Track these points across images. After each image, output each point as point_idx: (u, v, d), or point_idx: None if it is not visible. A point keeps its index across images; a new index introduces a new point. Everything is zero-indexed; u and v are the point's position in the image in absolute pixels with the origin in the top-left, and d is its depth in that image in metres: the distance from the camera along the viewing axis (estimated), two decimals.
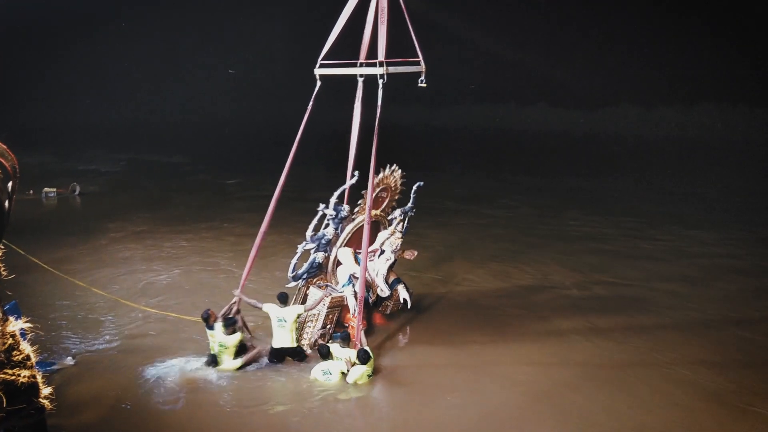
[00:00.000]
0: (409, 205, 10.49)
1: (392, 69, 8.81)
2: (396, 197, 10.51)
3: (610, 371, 8.57)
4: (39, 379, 3.90)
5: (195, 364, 8.61)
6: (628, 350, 9.25)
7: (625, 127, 39.64)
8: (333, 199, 9.56)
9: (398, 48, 9.24)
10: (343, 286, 9.43)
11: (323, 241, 9.56)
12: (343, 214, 9.64)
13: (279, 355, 8.72)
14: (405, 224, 10.36)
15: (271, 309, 8.74)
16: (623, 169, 27.62)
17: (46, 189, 21.68)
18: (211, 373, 8.38)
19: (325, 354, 8.24)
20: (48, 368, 8.27)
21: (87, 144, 37.61)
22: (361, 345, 8.42)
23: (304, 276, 9.56)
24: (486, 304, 11.31)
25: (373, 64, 8.88)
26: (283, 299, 8.85)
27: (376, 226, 10.15)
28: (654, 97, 40.17)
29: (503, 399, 7.84)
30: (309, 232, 9.57)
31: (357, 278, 9.41)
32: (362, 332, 8.56)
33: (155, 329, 9.95)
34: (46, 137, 39.93)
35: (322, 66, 9.11)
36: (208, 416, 7.46)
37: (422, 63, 9.17)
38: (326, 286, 9.59)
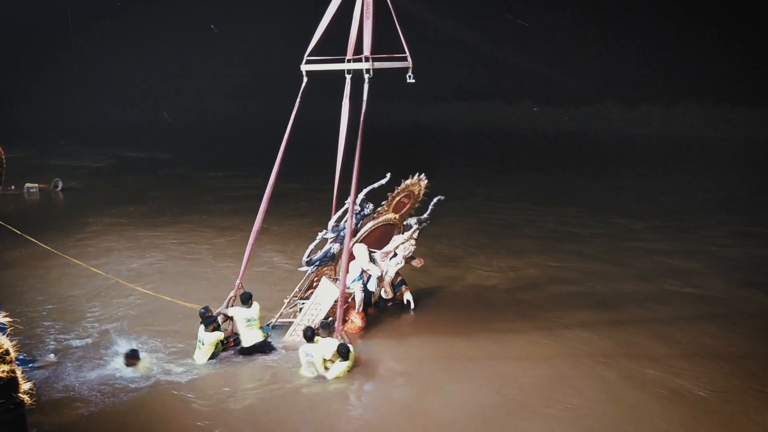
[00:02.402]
0: (425, 215, 10.64)
1: (378, 64, 8.82)
2: (416, 205, 10.68)
3: (598, 366, 8.63)
4: (18, 374, 3.86)
5: (176, 358, 8.61)
6: (613, 345, 9.31)
7: (609, 124, 40.01)
8: (361, 195, 9.75)
9: (387, 45, 9.25)
10: (353, 281, 9.62)
11: (342, 234, 9.74)
12: (366, 211, 9.94)
13: (249, 352, 8.78)
14: (418, 233, 10.49)
15: (237, 312, 8.80)
16: (608, 166, 27.87)
17: (28, 184, 21.46)
18: (193, 368, 8.36)
19: (310, 337, 8.30)
20: (29, 365, 8.17)
21: (73, 141, 37.27)
22: (342, 338, 8.49)
23: (317, 263, 9.76)
24: (474, 298, 11.36)
25: (360, 60, 8.89)
26: (246, 299, 8.86)
27: (391, 230, 10.36)
28: (638, 96, 40.57)
29: (492, 394, 7.87)
30: (331, 223, 9.77)
31: (369, 274, 9.74)
32: (343, 328, 8.65)
33: (138, 323, 9.88)
34: (31, 134, 39.54)
35: (308, 62, 9.10)
36: (186, 412, 7.42)
37: (409, 59, 9.19)
38: (336, 279, 9.65)
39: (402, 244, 10.01)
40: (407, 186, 10.32)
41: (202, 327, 8.59)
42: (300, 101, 9.28)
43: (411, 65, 9.23)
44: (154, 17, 51.65)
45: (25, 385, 3.90)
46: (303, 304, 9.64)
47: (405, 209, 10.51)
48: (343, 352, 8.13)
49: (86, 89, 53.39)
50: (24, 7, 44.17)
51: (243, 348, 8.79)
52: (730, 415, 7.40)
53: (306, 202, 19.36)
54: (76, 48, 51.46)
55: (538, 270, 13.08)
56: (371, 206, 10.02)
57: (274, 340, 9.13)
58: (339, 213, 9.85)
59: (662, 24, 39.23)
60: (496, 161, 30.36)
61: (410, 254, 10.06)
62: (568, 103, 43.04)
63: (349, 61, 9.17)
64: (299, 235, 14.99)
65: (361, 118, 8.78)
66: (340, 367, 8.13)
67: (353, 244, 9.73)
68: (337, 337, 8.45)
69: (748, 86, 36.07)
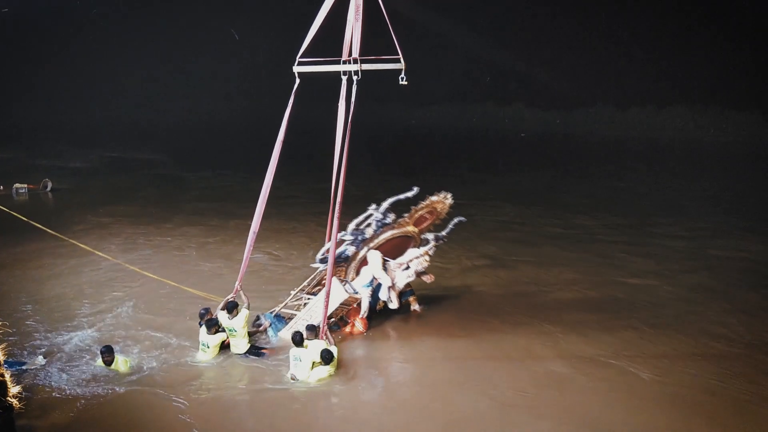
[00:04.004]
0: (444, 233, 10.65)
1: (367, 66, 8.81)
2: (437, 222, 10.70)
3: (591, 366, 8.68)
4: (7, 377, 3.84)
5: (165, 357, 8.63)
6: (605, 345, 9.35)
7: (599, 127, 40.21)
8: (385, 204, 9.97)
9: (386, 47, 9.22)
10: (363, 286, 9.68)
11: (359, 238, 9.91)
12: (387, 220, 10.09)
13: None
14: (433, 249, 10.51)
15: (222, 319, 8.77)
16: (597, 169, 28.03)
17: (17, 185, 21.32)
18: (183, 368, 8.35)
19: (299, 342, 8.31)
20: (18, 368, 8.09)
21: (64, 142, 37.08)
22: (326, 337, 8.51)
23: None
24: (468, 301, 11.41)
25: (349, 62, 8.89)
26: (231, 308, 8.77)
27: (407, 242, 10.39)
28: (628, 99, 40.83)
29: (487, 395, 7.90)
30: (352, 226, 9.92)
31: (379, 282, 9.76)
32: (328, 330, 8.69)
33: (125, 324, 9.84)
34: (21, 134, 39.30)
35: (300, 63, 9.08)
36: (172, 412, 7.41)
37: (402, 60, 9.15)
38: (345, 281, 9.67)
39: (416, 258, 10.02)
40: (432, 202, 10.40)
41: (203, 329, 8.56)
42: (293, 102, 9.28)
43: (404, 67, 9.16)
44: (149, 18, 51.48)
45: (14, 389, 3.87)
46: (308, 299, 9.66)
47: (425, 224, 10.54)
48: (325, 357, 8.13)
49: (78, 90, 53.16)
50: (16, 7, 44.01)
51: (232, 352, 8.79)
52: (720, 415, 7.46)
53: (294, 201, 19.33)
54: (69, 49, 51.26)
55: (526, 271, 13.13)
56: (393, 216, 10.14)
57: (274, 329, 9.23)
58: (361, 217, 10.01)
59: (653, 28, 39.52)
60: (486, 162, 30.44)
61: (423, 269, 10.09)
62: (559, 106, 43.25)
63: (344, 62, 9.15)
64: (291, 235, 14.97)
65: (349, 119, 8.79)
66: (322, 371, 8.13)
67: (368, 249, 9.83)
68: (321, 337, 8.47)
69: (737, 90, 36.41)
